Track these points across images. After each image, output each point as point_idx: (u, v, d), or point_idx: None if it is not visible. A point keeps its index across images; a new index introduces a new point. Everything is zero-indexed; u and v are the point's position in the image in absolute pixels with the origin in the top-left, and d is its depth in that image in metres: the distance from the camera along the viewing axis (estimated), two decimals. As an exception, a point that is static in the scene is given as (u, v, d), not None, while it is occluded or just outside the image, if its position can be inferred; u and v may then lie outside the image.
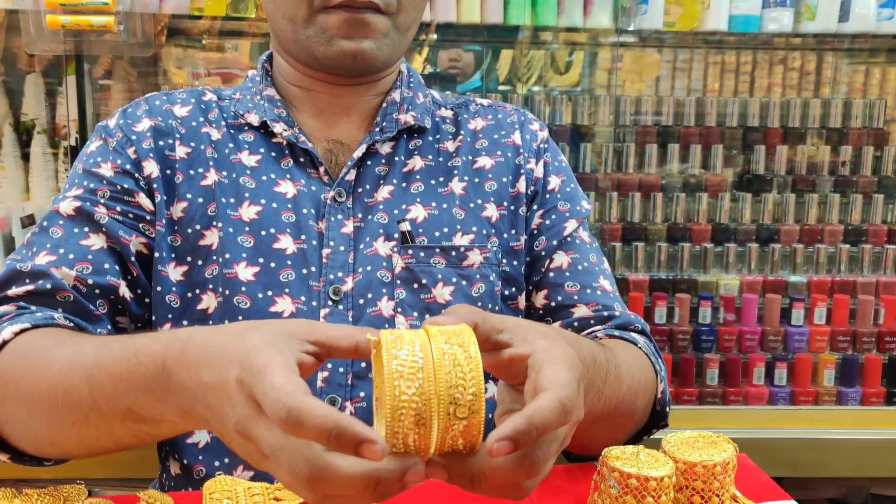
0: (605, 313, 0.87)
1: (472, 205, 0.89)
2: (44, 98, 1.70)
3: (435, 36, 1.75)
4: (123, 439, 0.63)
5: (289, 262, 0.83)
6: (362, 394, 0.81)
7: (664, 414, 0.84)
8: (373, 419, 0.52)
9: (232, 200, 0.84)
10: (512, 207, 0.91)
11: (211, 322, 0.82)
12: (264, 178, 0.86)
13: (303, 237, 0.84)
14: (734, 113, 1.77)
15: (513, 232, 0.90)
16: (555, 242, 0.90)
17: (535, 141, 0.95)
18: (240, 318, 0.80)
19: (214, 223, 0.84)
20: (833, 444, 1.58)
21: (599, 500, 0.67)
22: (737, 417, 1.66)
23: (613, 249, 1.73)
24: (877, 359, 1.69)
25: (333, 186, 0.86)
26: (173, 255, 0.83)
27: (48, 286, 0.77)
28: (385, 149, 0.90)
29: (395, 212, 0.86)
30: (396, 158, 0.90)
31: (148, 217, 0.83)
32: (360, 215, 0.86)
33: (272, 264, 0.82)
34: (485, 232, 0.88)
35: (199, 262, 0.83)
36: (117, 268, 0.81)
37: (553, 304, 0.89)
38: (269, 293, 0.81)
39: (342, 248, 0.84)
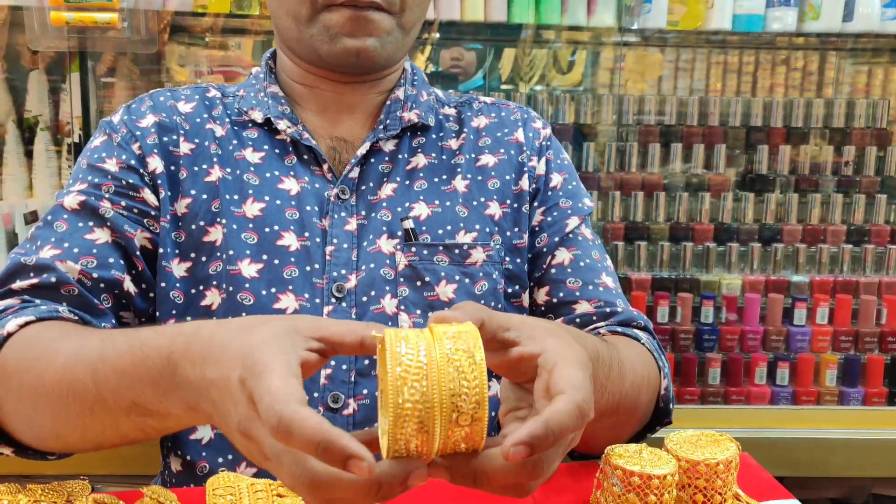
0: (608, 310, 0.87)
1: (475, 203, 0.89)
2: (47, 95, 1.70)
3: (437, 34, 1.75)
4: (128, 433, 0.63)
5: (292, 259, 0.83)
6: (365, 391, 0.81)
7: (668, 410, 0.84)
8: (376, 416, 0.52)
9: (236, 197, 0.85)
10: (515, 205, 0.91)
11: (215, 318, 0.82)
12: (268, 174, 0.86)
13: (306, 234, 0.84)
14: (737, 113, 1.77)
15: (516, 230, 0.90)
16: (556, 239, 0.91)
17: (537, 138, 0.95)
18: (243, 314, 0.80)
19: (218, 220, 0.84)
20: (835, 444, 1.58)
21: (602, 498, 0.67)
22: (738, 417, 1.66)
23: (616, 249, 1.73)
24: (879, 359, 1.69)
25: (337, 184, 0.86)
26: (177, 252, 0.84)
27: (53, 280, 0.77)
28: (388, 146, 0.90)
29: (399, 209, 0.87)
30: (400, 156, 0.90)
31: (152, 213, 0.84)
32: (363, 213, 0.86)
33: (276, 261, 0.82)
34: (488, 230, 0.88)
35: (203, 259, 0.83)
36: (122, 262, 0.81)
37: (555, 300, 0.89)
38: (273, 290, 0.82)
39: (345, 246, 0.84)
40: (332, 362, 0.81)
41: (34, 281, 0.77)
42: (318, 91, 0.90)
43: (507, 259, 0.89)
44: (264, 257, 0.82)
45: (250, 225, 0.83)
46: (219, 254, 0.83)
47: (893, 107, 1.82)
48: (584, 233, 0.93)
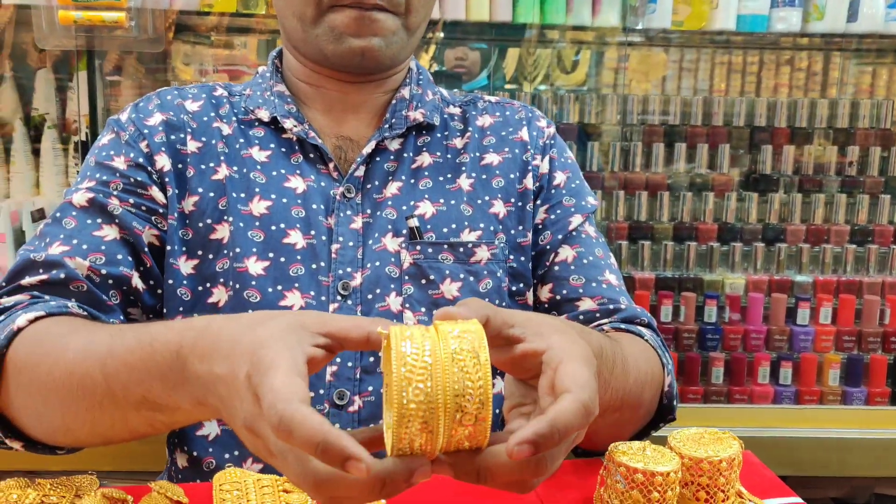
0: (611, 307, 0.88)
1: (479, 201, 0.90)
2: (54, 94, 1.71)
3: (442, 34, 1.75)
4: (138, 427, 0.63)
5: (298, 257, 0.83)
6: (371, 388, 0.82)
7: (671, 407, 0.84)
8: (381, 413, 0.53)
9: (242, 195, 0.85)
10: (519, 204, 0.91)
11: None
12: (274, 173, 0.87)
13: (312, 232, 0.84)
14: (741, 113, 1.77)
15: (520, 228, 0.91)
16: (560, 237, 0.91)
17: (541, 137, 0.95)
18: (250, 311, 0.81)
19: (225, 217, 0.84)
20: (837, 444, 1.58)
21: (606, 495, 0.67)
22: (741, 416, 1.66)
23: (620, 248, 1.73)
24: (882, 359, 1.69)
25: (343, 182, 0.87)
26: (184, 249, 0.84)
27: (62, 276, 0.77)
28: (394, 145, 0.90)
29: (404, 208, 0.87)
30: (405, 155, 0.90)
31: (160, 210, 0.84)
32: (368, 211, 0.87)
33: (282, 259, 0.83)
34: (492, 228, 0.89)
35: (210, 256, 0.84)
36: (130, 258, 0.82)
37: (558, 297, 0.89)
38: (279, 287, 0.82)
39: (351, 244, 0.85)
40: (338, 359, 0.81)
41: (43, 277, 0.77)
42: (324, 90, 0.90)
43: (512, 257, 0.90)
44: (270, 255, 0.83)
45: (257, 223, 0.84)
46: (225, 251, 0.84)
47: (897, 107, 1.82)
48: (588, 231, 0.93)
